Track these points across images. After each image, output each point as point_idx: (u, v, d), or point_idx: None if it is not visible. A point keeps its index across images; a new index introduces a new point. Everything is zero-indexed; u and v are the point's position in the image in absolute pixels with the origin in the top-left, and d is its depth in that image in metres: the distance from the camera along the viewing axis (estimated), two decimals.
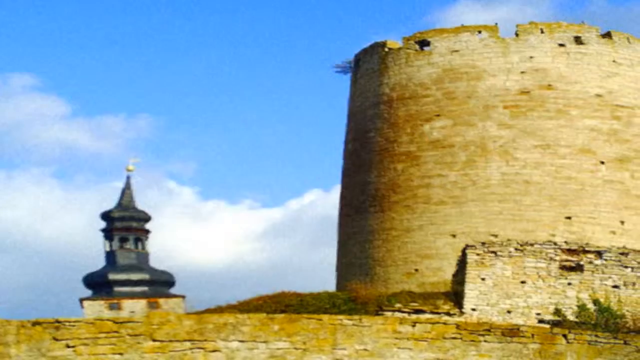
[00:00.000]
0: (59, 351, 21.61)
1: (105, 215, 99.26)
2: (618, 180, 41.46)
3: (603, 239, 39.05)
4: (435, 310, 30.25)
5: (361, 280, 39.55)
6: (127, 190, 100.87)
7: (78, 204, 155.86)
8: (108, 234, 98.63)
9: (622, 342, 24.62)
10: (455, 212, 40.76)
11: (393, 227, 42.29)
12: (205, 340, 22.42)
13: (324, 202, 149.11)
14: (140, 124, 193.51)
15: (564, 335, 23.92)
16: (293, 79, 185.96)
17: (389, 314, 29.59)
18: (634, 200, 41.72)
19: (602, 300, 31.20)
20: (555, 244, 32.97)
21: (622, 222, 40.80)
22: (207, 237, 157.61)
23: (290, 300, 31.57)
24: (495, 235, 38.58)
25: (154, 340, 21.83)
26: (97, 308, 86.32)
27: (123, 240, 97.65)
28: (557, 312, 31.11)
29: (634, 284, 31.89)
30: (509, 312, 31.10)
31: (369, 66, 46.70)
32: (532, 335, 23.91)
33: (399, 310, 30.29)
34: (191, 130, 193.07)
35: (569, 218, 40.06)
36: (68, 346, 21.50)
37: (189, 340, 22.19)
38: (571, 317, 30.55)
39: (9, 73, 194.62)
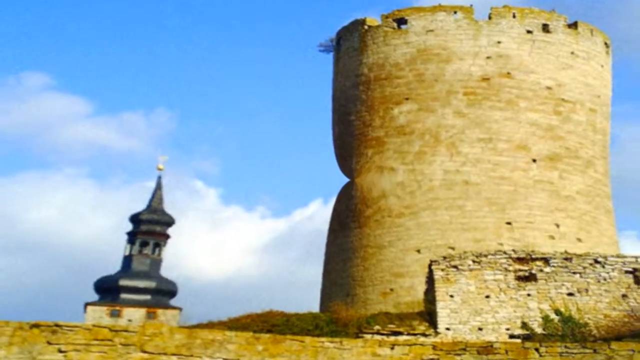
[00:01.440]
0: (50, 355, 21.25)
1: (134, 218, 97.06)
2: (547, 181, 41.45)
3: (544, 244, 39.15)
4: (412, 332, 30.10)
5: (342, 300, 39.58)
6: (158, 191, 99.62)
7: (111, 205, 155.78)
8: (132, 237, 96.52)
9: (591, 350, 23.85)
10: (413, 224, 40.85)
11: (369, 244, 42.30)
12: (192, 355, 22.14)
13: (321, 214, 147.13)
14: (161, 119, 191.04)
15: (536, 349, 23.43)
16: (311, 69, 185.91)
17: (368, 336, 29.41)
18: (563, 202, 41.51)
19: (562, 309, 31.19)
20: (505, 253, 33.01)
21: (558, 226, 40.98)
22: (217, 247, 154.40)
23: (277, 320, 31.47)
24: (452, 248, 38.88)
25: (144, 352, 21.80)
26: (98, 314, 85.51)
27: (143, 244, 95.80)
28: (525, 325, 30.87)
29: (586, 290, 32.03)
30: (480, 329, 30.94)
31: (349, 44, 46.79)
32: (506, 351, 23.27)
33: (378, 332, 30.11)
34: (208, 123, 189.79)
35: (509, 224, 40.24)
36: (60, 351, 21.38)
37: (177, 355, 22.03)
38: (538, 330, 30.41)
39: (22, 72, 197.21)
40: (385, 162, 42.53)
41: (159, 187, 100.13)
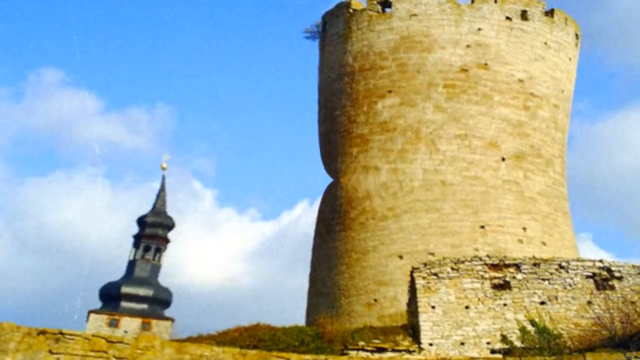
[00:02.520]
0: None
1: (140, 220, 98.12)
2: (514, 181, 41.10)
3: (514, 249, 39.20)
4: (396, 348, 29.96)
5: (328, 313, 39.31)
6: (161, 192, 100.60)
7: (122, 206, 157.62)
8: (137, 240, 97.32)
9: None
10: (396, 227, 40.38)
11: (353, 248, 41.86)
12: None
13: (308, 216, 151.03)
14: (161, 114, 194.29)
15: None
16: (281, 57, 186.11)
17: (353, 352, 29.43)
18: (528, 204, 41.19)
19: (537, 319, 31.44)
20: (480, 259, 33.31)
21: (525, 229, 40.73)
22: (209, 253, 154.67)
23: (264, 335, 31.31)
24: (432, 254, 38.65)
25: None
26: (98, 323, 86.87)
27: (146, 249, 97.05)
28: (504, 339, 30.92)
29: (556, 297, 32.64)
30: (462, 344, 31.05)
31: (334, 30, 46.28)
32: None
33: (363, 349, 30.09)
34: (203, 118, 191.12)
35: (482, 227, 40.01)
36: None
37: None
38: (517, 342, 30.48)
39: (40, 68, 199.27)
40: (370, 162, 41.74)
41: (162, 188, 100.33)
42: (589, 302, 32.16)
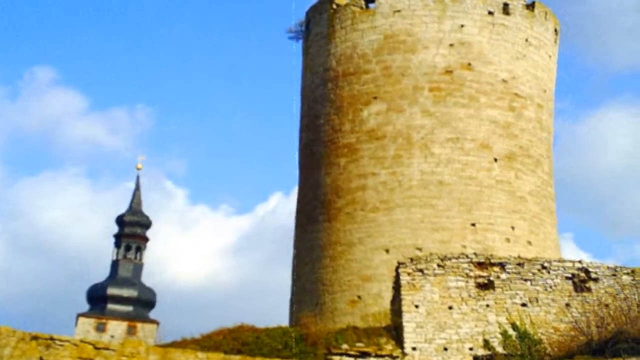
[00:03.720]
0: None
1: (119, 220, 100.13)
2: (506, 181, 41.54)
3: (501, 247, 39.73)
4: (379, 353, 30.49)
5: (311, 311, 39.77)
6: (137, 191, 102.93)
7: (102, 206, 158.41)
8: (118, 240, 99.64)
9: None
10: (386, 220, 40.62)
11: (338, 240, 42.02)
12: None
13: (285, 207, 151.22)
14: (140, 115, 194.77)
15: None
16: (263, 63, 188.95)
17: (337, 357, 30.10)
18: (518, 203, 41.72)
19: (518, 323, 32.14)
20: (467, 256, 33.77)
21: (513, 228, 41.35)
22: (189, 250, 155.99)
23: (247, 338, 31.80)
24: (420, 249, 39.11)
25: None
26: (86, 327, 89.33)
27: (127, 248, 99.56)
28: (486, 343, 31.66)
29: (536, 299, 33.23)
30: (445, 349, 31.61)
31: (318, 30, 46.10)
32: None
33: (346, 353, 30.62)
34: (181, 120, 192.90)
35: (473, 225, 40.46)
36: None
37: None
38: (499, 348, 31.17)
39: (35, 67, 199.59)
40: (364, 170, 41.80)
41: (137, 188, 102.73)
42: (567, 305, 32.86)
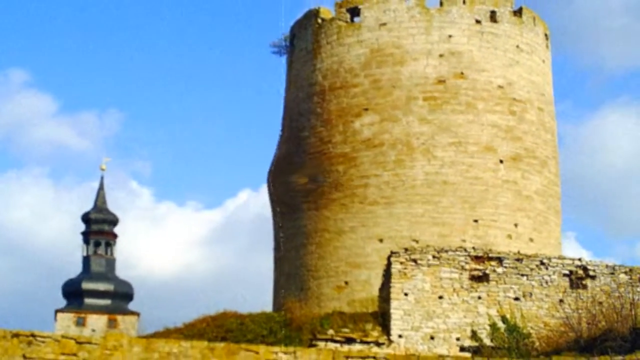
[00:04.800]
0: None
1: (85, 218, 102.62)
2: (512, 181, 42.27)
3: (502, 243, 40.37)
4: (365, 339, 30.94)
5: (296, 296, 40.02)
6: (101, 190, 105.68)
7: (66, 206, 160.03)
8: (86, 237, 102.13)
9: None
10: (385, 212, 40.93)
11: (326, 228, 42.25)
12: None
13: (256, 201, 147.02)
14: (111, 119, 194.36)
15: None
16: (237, 66, 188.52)
17: (322, 343, 30.24)
18: (524, 202, 42.52)
19: (508, 316, 32.61)
20: (465, 250, 34.23)
21: (516, 225, 42.07)
22: (160, 243, 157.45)
23: (231, 325, 32.43)
24: (417, 241, 39.39)
25: None
26: (66, 322, 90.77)
27: (97, 244, 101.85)
28: (474, 335, 32.21)
29: (530, 294, 33.67)
30: (432, 337, 32.08)
31: (302, 45, 45.97)
32: None
33: (332, 339, 30.99)
34: (146, 125, 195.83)
35: (476, 221, 41.07)
36: None
37: None
38: (486, 340, 31.76)
39: (9, 69, 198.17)
40: (366, 172, 42.27)
41: (101, 187, 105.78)
42: (561, 301, 33.54)
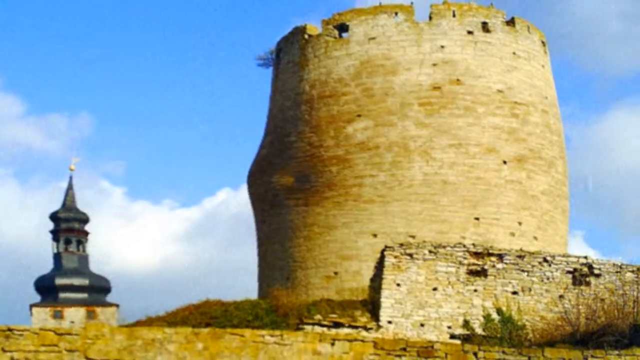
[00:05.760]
0: None
1: (53, 216, 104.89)
2: (517, 181, 42.77)
3: (504, 240, 40.92)
4: (353, 324, 31.05)
5: (282, 285, 40.09)
6: (70, 190, 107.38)
7: (33, 205, 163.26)
8: (55, 235, 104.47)
9: (526, 357, 24.61)
10: (380, 210, 41.17)
11: (316, 222, 42.54)
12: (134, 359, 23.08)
13: (236, 200, 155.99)
14: (82, 122, 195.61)
15: (475, 353, 24.55)
16: (215, 73, 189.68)
17: (309, 327, 30.39)
18: (529, 201, 43.09)
19: (504, 308, 32.78)
20: (464, 246, 34.33)
21: (520, 224, 42.57)
22: (136, 239, 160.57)
23: (215, 312, 32.26)
24: (413, 236, 39.55)
25: (87, 358, 22.77)
26: (42, 316, 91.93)
27: (67, 242, 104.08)
28: (466, 324, 32.37)
29: (530, 289, 33.80)
30: (422, 325, 32.22)
31: (289, 58, 46.09)
32: (446, 354, 24.39)
33: (319, 323, 31.12)
34: (121, 128, 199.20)
35: (477, 219, 41.45)
36: (12, 359, 22.35)
37: None
38: (478, 330, 31.89)
39: None
40: (361, 173, 42.38)
41: (70, 187, 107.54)
42: (561, 297, 34.04)
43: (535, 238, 43.19)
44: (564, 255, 36.04)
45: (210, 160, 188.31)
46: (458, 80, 43.00)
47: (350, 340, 24.61)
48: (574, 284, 34.31)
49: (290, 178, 43.67)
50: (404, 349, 24.54)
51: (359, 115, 42.89)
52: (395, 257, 33.46)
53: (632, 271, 34.81)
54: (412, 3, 44.76)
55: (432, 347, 24.84)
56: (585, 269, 34.67)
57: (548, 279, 34.38)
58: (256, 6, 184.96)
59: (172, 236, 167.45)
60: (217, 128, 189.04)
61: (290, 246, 43.56)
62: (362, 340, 24.71)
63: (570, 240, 47.63)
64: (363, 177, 42.12)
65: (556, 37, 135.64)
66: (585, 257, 35.40)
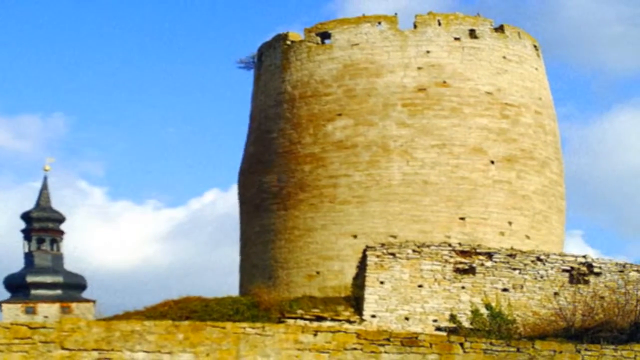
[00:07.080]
0: None
1: (25, 216, 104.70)
2: (506, 181, 42.93)
3: (493, 240, 40.91)
4: (336, 317, 31.38)
5: (264, 283, 40.31)
6: (44, 190, 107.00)
7: (3, 205, 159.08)
8: (27, 234, 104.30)
9: (515, 349, 25.36)
10: (358, 211, 41.38)
11: (296, 226, 42.73)
12: (112, 350, 23.32)
13: (224, 201, 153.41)
14: (56, 123, 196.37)
15: (461, 344, 25.00)
16: (198, 75, 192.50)
17: (291, 321, 30.69)
18: (520, 201, 43.21)
19: (493, 304, 32.95)
20: (449, 245, 34.58)
21: (510, 223, 42.62)
22: (115, 239, 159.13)
23: (195, 306, 32.45)
24: (395, 236, 39.73)
25: (64, 349, 22.86)
26: (13, 312, 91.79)
27: (40, 241, 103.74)
28: (453, 318, 32.65)
29: (521, 286, 33.92)
30: (407, 318, 32.44)
31: (271, 61, 46.33)
32: (431, 344, 24.81)
33: (301, 317, 31.40)
34: (100, 129, 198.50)
35: (462, 219, 41.51)
36: None
37: (97, 350, 23.15)
38: (466, 323, 32.14)
39: None
40: (335, 172, 42.16)
41: (45, 187, 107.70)
42: (556, 294, 34.41)
43: (528, 237, 43.47)
44: (559, 254, 36.45)
45: (199, 161, 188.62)
46: (444, 82, 43.45)
47: (333, 332, 25.22)
48: (571, 282, 34.59)
49: (275, 176, 43.49)
50: (388, 339, 25.08)
51: (339, 115, 43.28)
52: (378, 256, 33.86)
53: (637, 271, 35.03)
54: (395, 14, 45.17)
55: (417, 337, 25.48)
56: (584, 268, 35.04)
57: (542, 277, 34.68)
58: (239, 14, 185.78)
59: (154, 236, 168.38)
60: (204, 129, 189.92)
61: (272, 248, 43.95)
62: (345, 332, 25.32)
63: (568, 240, 49.28)
64: (337, 176, 42.51)
65: (553, 41, 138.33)
66: (584, 256, 35.83)
